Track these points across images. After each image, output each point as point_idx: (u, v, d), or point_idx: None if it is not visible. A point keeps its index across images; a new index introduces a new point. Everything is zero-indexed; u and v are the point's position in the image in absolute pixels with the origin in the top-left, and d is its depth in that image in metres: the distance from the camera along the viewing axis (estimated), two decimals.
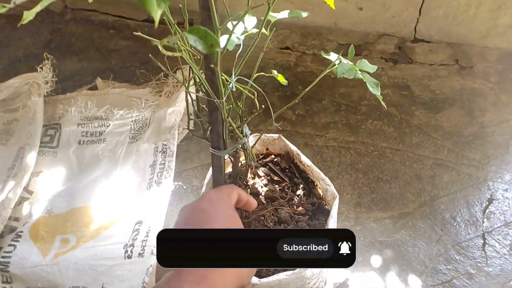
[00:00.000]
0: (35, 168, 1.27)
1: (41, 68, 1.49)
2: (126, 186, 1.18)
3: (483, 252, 1.07)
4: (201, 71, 0.61)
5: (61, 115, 1.39)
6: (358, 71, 0.69)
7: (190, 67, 0.62)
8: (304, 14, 0.74)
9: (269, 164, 0.94)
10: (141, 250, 1.00)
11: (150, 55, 0.66)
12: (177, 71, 1.48)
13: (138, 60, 1.68)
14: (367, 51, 1.60)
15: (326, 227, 0.77)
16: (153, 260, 0.98)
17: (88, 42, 1.80)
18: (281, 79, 0.83)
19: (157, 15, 0.32)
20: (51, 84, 1.48)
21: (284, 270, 0.73)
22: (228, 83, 0.62)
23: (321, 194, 0.89)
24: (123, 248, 1.01)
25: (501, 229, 1.11)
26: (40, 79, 1.45)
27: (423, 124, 1.36)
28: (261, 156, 0.96)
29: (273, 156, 0.95)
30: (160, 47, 0.46)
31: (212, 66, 0.56)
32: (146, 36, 0.56)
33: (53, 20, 1.91)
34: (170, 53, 0.50)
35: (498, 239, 1.09)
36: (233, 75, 0.62)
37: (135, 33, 0.60)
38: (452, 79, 1.49)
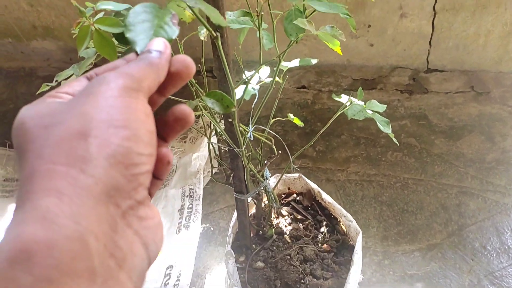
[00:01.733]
0: None
1: None
2: None
3: None
4: (221, 123, 0.66)
5: None
6: (369, 111, 0.73)
7: (210, 121, 0.67)
8: (314, 61, 0.80)
9: (292, 203, 0.97)
10: None
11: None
12: (199, 117, 1.55)
13: (162, 108, 1.77)
14: (382, 84, 1.64)
15: (351, 264, 0.78)
16: None
17: None
18: (297, 121, 0.87)
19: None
20: None
21: None
22: (246, 132, 0.67)
23: (345, 230, 0.91)
24: None
25: None
26: None
27: (444, 152, 1.37)
28: (283, 196, 0.99)
29: (295, 195, 0.99)
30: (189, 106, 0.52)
31: (230, 120, 0.61)
32: (171, 96, 0.62)
33: None
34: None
35: None
36: (250, 125, 0.67)
37: None
38: (469, 105, 1.50)
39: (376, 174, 1.35)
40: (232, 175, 0.74)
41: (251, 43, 1.67)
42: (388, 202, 1.27)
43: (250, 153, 0.71)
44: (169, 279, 1.06)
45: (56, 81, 0.54)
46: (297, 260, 0.85)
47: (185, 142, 1.48)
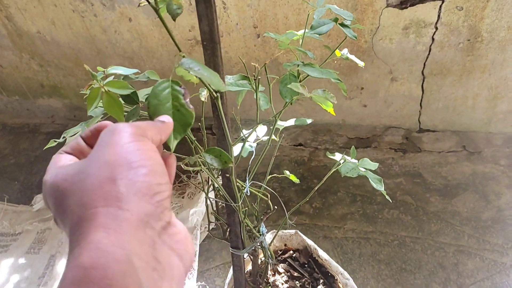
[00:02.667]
0: None
1: None
2: None
3: None
4: (218, 178, 0.69)
5: None
6: (361, 169, 0.76)
7: (208, 176, 0.70)
8: (309, 121, 0.84)
9: (288, 260, 0.96)
10: None
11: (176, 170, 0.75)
12: (199, 172, 1.58)
13: None
14: (376, 143, 1.69)
15: None
16: None
17: None
18: (293, 178, 0.90)
19: (173, 145, 0.41)
20: None
21: None
22: (243, 188, 0.69)
23: None
24: None
25: None
26: None
27: (439, 210, 1.38)
28: (280, 252, 0.99)
29: (291, 251, 0.98)
30: (182, 166, 0.55)
31: (227, 175, 0.64)
32: (171, 153, 0.65)
33: None
34: (191, 168, 0.58)
35: None
36: (247, 181, 0.70)
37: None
38: (462, 164, 1.53)
39: (373, 231, 1.35)
40: (228, 230, 0.75)
41: (249, 102, 1.75)
42: (386, 261, 1.26)
43: (246, 208, 0.72)
44: None
45: (64, 137, 0.57)
46: None
47: (183, 197, 1.50)
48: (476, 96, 1.51)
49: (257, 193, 0.73)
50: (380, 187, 0.72)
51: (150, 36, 1.71)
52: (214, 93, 0.54)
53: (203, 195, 1.44)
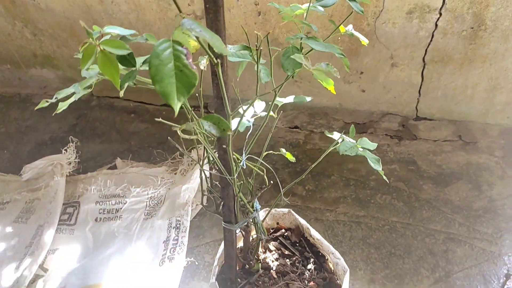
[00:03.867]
0: (52, 246, 1.31)
1: (66, 150, 1.60)
2: (139, 263, 1.20)
3: None
4: (214, 150, 0.67)
5: (81, 194, 1.45)
6: (360, 148, 0.75)
7: (204, 147, 0.68)
8: (308, 99, 0.82)
9: (280, 238, 0.96)
10: None
11: (168, 137, 0.73)
12: (192, 150, 1.56)
13: (155, 141, 1.78)
14: (372, 129, 1.68)
15: None
16: None
17: (110, 125, 1.93)
18: (289, 156, 0.89)
19: (176, 107, 0.39)
20: (74, 165, 1.58)
21: None
22: (239, 161, 0.68)
23: (332, 268, 0.89)
24: None
25: None
26: (63, 161, 1.55)
27: (432, 198, 1.38)
28: (271, 231, 0.98)
29: (283, 230, 0.98)
30: (179, 132, 0.53)
31: (224, 146, 0.62)
32: (167, 122, 0.63)
33: (80, 106, 2.08)
34: (187, 136, 0.57)
35: None
36: (243, 154, 0.68)
37: (156, 119, 0.68)
38: (457, 154, 1.53)
39: (364, 216, 1.35)
40: (222, 204, 0.74)
41: (247, 82, 1.72)
42: (376, 245, 1.26)
43: (241, 182, 0.71)
44: None
45: (56, 98, 0.55)
46: None
47: (175, 173, 1.48)
48: (476, 86, 1.50)
49: (253, 167, 0.71)
50: (378, 167, 0.71)
51: (148, 8, 1.67)
52: (214, 59, 0.52)
53: (196, 172, 1.43)
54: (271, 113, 0.73)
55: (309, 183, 1.49)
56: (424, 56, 1.47)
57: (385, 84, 1.61)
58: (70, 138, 1.63)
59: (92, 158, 1.73)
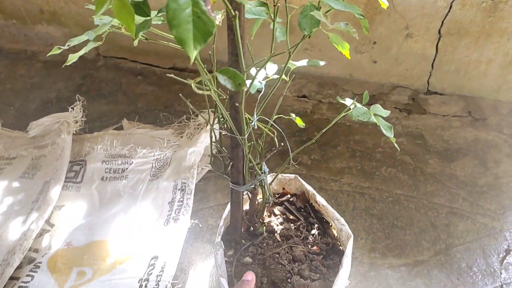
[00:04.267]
0: (58, 202, 1.32)
1: (72, 108, 1.59)
2: (144, 222, 1.22)
3: None
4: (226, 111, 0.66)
5: (87, 153, 1.46)
6: (372, 115, 0.74)
7: (216, 106, 0.67)
8: (322, 63, 0.80)
9: (285, 203, 0.97)
10: (156, 284, 1.01)
11: (180, 94, 0.72)
12: (199, 114, 1.55)
13: (162, 104, 1.77)
14: (382, 101, 1.66)
15: (340, 266, 0.78)
16: None
17: (116, 86, 1.91)
18: (299, 122, 0.88)
19: (192, 55, 0.38)
20: (80, 124, 1.57)
21: None
22: (250, 121, 0.67)
23: (336, 234, 0.90)
24: (138, 282, 1.03)
25: None
26: (70, 119, 1.55)
27: (437, 172, 1.38)
28: (277, 196, 0.99)
29: (289, 196, 0.98)
30: (193, 86, 0.52)
31: (237, 104, 0.61)
32: (179, 78, 0.62)
33: (86, 66, 2.05)
34: (200, 92, 0.56)
35: None
36: (255, 114, 0.68)
37: (168, 74, 0.67)
38: (465, 130, 1.52)
39: (369, 187, 1.36)
40: (230, 165, 0.74)
41: (257, 47, 1.69)
42: (379, 216, 1.27)
43: (252, 143, 0.71)
44: (153, 269, 1.05)
45: (68, 45, 0.54)
46: (285, 259, 0.85)
47: (181, 137, 1.48)
48: (490, 61, 1.46)
49: (263, 128, 0.71)
50: (390, 134, 0.70)
51: None
52: (232, 11, 0.50)
53: (203, 136, 1.43)
54: (283, 76, 0.71)
55: (315, 153, 1.49)
56: (440, 27, 1.43)
57: (397, 55, 1.57)
58: (77, 97, 1.62)
59: (98, 119, 1.72)
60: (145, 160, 1.39)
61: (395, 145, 0.72)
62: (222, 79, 0.49)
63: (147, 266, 1.06)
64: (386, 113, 0.74)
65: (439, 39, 1.47)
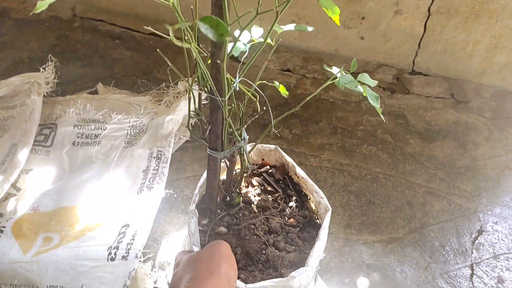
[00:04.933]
0: (26, 166, 1.26)
1: (44, 68, 1.50)
2: (116, 189, 1.17)
3: (470, 283, 1.06)
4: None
5: (58, 116, 1.39)
6: (359, 85, 0.71)
7: (195, 64, 0.63)
8: (310, 29, 0.76)
9: (264, 174, 0.94)
10: (126, 253, 0.97)
11: (158, 50, 0.67)
12: (179, 82, 1.50)
13: (141, 70, 1.70)
14: None
15: (317, 238, 0.76)
16: (137, 263, 0.96)
17: (93, 50, 1.82)
18: (283, 90, 0.84)
19: None
20: (52, 85, 1.49)
21: (271, 278, 0.72)
22: (232, 82, 0.63)
23: (314, 208, 0.88)
24: (107, 250, 0.99)
25: (490, 261, 1.10)
26: (41, 79, 1.46)
27: (416, 152, 1.38)
28: (256, 166, 0.96)
29: (268, 167, 0.96)
30: (171, 33, 0.47)
31: (218, 61, 0.57)
32: (157, 32, 0.57)
33: (61, 26, 1.94)
34: (179, 43, 0.51)
35: (486, 271, 1.08)
36: (237, 75, 0.63)
37: (145, 27, 0.61)
38: (447, 112, 1.52)
39: (348, 164, 1.35)
40: (209, 129, 0.70)
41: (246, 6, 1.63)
42: (356, 193, 1.26)
43: (232, 106, 0.67)
44: (123, 237, 1.01)
45: None
46: (261, 231, 0.82)
47: (159, 104, 1.42)
48: (477, 43, 1.45)
49: (246, 91, 0.67)
50: (376, 104, 0.67)
51: None
52: None
53: (181, 104, 1.37)
54: (269, 40, 0.67)
55: (296, 127, 1.46)
56: (430, 5, 1.40)
57: (385, 32, 1.54)
58: (49, 57, 1.53)
59: (72, 82, 1.64)
60: (120, 126, 1.33)
61: (381, 116, 0.70)
62: (204, 28, 0.45)
63: (117, 234, 1.03)
64: (373, 82, 0.71)
65: (428, 18, 1.44)
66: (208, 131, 0.71)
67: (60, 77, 1.57)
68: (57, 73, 1.54)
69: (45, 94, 1.45)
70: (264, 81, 0.80)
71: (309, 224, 0.86)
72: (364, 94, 0.70)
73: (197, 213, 0.78)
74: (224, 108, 0.64)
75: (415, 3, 1.41)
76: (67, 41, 1.87)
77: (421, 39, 1.51)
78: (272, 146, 0.94)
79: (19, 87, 1.47)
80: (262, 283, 0.69)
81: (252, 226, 0.83)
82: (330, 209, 0.80)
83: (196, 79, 0.66)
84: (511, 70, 1.49)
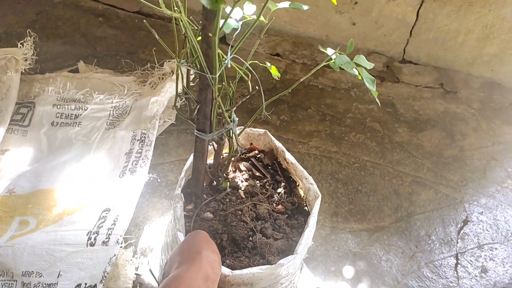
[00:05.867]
0: (2, 146, 1.20)
1: (22, 44, 1.42)
2: (97, 172, 1.12)
3: (455, 272, 1.06)
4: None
5: (37, 94, 1.32)
6: (355, 66, 0.68)
7: (185, 39, 0.59)
8: (305, 7, 0.72)
9: (252, 159, 0.91)
10: (106, 238, 0.94)
11: (144, 21, 0.63)
12: (164, 64, 1.44)
13: (125, 50, 1.63)
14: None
15: (306, 226, 0.74)
16: (118, 249, 0.92)
17: (74, 27, 1.74)
18: (274, 71, 0.81)
19: None
20: (30, 62, 1.42)
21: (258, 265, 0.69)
22: (224, 59, 0.59)
23: (302, 194, 0.86)
24: (87, 235, 0.95)
25: (474, 251, 1.11)
26: (19, 55, 1.39)
27: (404, 141, 1.37)
28: (244, 150, 0.93)
29: (256, 152, 0.93)
30: (161, 2, 0.43)
31: (210, 35, 0.53)
32: (148, 3, 0.53)
33: (41, 1, 1.85)
34: (169, 12, 0.47)
35: (471, 261, 1.08)
36: (229, 52, 0.60)
37: None
38: (436, 101, 1.51)
39: (336, 152, 1.33)
40: (197, 109, 0.66)
41: None
42: (344, 181, 1.25)
43: (222, 84, 0.63)
44: (103, 222, 0.97)
45: None
46: (248, 217, 0.80)
47: (144, 85, 1.37)
48: (469, 32, 1.44)
49: (238, 69, 0.63)
50: (372, 87, 0.65)
51: None
52: None
53: (167, 85, 1.33)
54: (261, 18, 0.63)
55: (284, 114, 1.43)
56: None
57: (378, 18, 1.51)
58: (28, 32, 1.45)
59: (52, 59, 1.57)
60: (102, 107, 1.27)
61: (377, 100, 0.67)
62: None
63: (97, 219, 0.99)
64: (370, 65, 0.69)
65: (421, 5, 1.42)
66: (196, 111, 0.67)
67: (39, 54, 1.49)
68: (36, 50, 1.47)
69: (23, 71, 1.37)
70: (256, 61, 0.77)
71: (297, 211, 0.84)
72: (359, 77, 0.67)
73: (182, 197, 0.75)
74: (215, 86, 0.60)
75: None
76: (48, 17, 1.78)
77: (413, 27, 1.49)
78: (261, 131, 0.91)
79: None
80: (249, 269, 0.66)
81: (239, 212, 0.80)
82: (320, 195, 0.78)
83: (184, 55, 0.62)
84: (500, 60, 1.48)
